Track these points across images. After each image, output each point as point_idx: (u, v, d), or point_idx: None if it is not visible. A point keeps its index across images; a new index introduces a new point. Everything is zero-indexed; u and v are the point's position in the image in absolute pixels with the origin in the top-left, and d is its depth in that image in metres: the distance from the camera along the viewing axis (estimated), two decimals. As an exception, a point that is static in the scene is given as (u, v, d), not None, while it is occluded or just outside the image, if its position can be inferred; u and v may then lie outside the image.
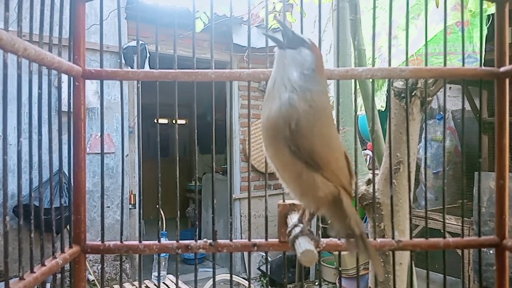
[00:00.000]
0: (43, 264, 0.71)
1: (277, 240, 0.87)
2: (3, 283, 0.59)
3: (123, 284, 3.10)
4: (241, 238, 1.12)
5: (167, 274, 3.32)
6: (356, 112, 1.17)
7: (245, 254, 4.41)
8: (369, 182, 1.35)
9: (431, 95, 1.35)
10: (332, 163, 0.71)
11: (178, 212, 0.93)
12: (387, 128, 1.03)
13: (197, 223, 3.33)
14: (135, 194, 4.24)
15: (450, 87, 4.18)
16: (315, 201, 0.73)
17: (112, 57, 4.06)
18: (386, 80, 2.11)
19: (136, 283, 3.35)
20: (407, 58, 0.92)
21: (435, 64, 2.39)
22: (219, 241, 0.87)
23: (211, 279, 1.02)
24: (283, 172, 0.72)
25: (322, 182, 0.70)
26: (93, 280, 3.69)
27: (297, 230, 0.79)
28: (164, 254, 2.83)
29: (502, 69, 0.86)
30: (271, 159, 0.72)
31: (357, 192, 0.93)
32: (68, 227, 0.89)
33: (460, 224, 0.93)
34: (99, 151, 0.89)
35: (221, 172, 5.67)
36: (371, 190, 1.31)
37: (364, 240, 0.73)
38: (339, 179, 0.72)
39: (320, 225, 0.98)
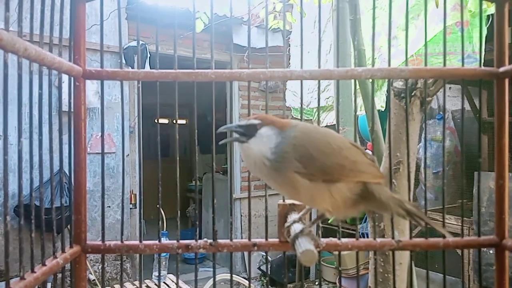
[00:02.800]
0: (43, 264, 0.71)
1: (277, 240, 0.87)
2: (4, 282, 0.59)
3: (124, 284, 3.11)
4: (241, 238, 1.12)
5: (167, 273, 3.32)
6: (356, 112, 1.17)
7: (245, 253, 4.42)
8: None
9: (430, 95, 1.35)
10: (345, 165, 0.72)
11: (179, 212, 0.94)
12: (387, 128, 1.03)
13: (197, 223, 3.33)
14: (135, 194, 4.24)
15: (449, 87, 4.19)
16: (347, 207, 0.74)
17: (112, 57, 4.06)
18: (386, 80, 2.12)
19: (137, 282, 3.35)
20: (406, 58, 0.92)
21: (434, 64, 2.39)
22: (220, 241, 0.87)
23: (212, 278, 1.02)
24: (312, 200, 0.74)
25: (348, 188, 0.72)
26: (94, 280, 3.69)
27: (296, 227, 0.79)
28: (165, 253, 2.83)
29: (501, 69, 0.86)
30: (296, 197, 0.76)
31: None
32: (68, 227, 0.89)
33: (460, 224, 0.94)
34: (100, 151, 0.90)
35: (221, 172, 5.67)
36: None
37: (414, 213, 0.73)
38: (361, 172, 0.73)
39: (320, 225, 0.99)
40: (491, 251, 0.90)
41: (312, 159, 0.70)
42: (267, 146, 0.72)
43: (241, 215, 4.94)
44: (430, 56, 2.43)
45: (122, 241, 0.87)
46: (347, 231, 3.52)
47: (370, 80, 1.36)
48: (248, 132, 0.75)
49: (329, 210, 0.74)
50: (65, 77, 0.81)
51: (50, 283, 2.80)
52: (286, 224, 0.82)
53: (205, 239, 0.87)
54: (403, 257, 1.33)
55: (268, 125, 0.75)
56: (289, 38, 4.08)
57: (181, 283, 3.09)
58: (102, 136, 0.91)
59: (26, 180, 0.66)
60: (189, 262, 5.05)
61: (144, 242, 0.87)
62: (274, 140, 0.73)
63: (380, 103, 2.82)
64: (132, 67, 3.90)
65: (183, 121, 7.88)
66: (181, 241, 0.87)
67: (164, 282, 3.03)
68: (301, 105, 0.89)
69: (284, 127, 0.74)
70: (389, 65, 0.89)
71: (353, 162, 0.73)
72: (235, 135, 0.77)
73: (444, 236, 0.84)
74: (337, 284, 4.18)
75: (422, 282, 1.36)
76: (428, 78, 0.95)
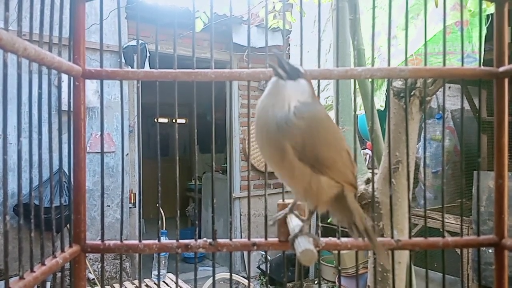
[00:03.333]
0: (43, 263, 0.71)
1: (277, 239, 0.88)
2: (3, 282, 0.59)
3: (123, 283, 3.11)
4: (241, 237, 1.13)
5: (167, 273, 3.32)
6: (355, 112, 1.17)
7: (245, 253, 4.42)
8: (368, 181, 1.35)
9: (430, 95, 1.35)
10: (338, 162, 0.74)
11: (178, 211, 0.94)
12: (386, 128, 1.03)
13: (197, 222, 3.34)
14: (135, 193, 4.24)
15: (449, 87, 4.19)
16: (319, 201, 0.75)
17: (112, 56, 4.05)
18: (386, 79, 2.12)
19: (136, 282, 3.35)
20: (406, 58, 0.93)
21: (434, 64, 2.40)
22: (219, 240, 0.87)
23: (211, 278, 1.02)
24: (290, 178, 0.74)
25: (328, 184, 0.73)
26: (93, 279, 3.69)
27: (294, 223, 0.80)
28: (164, 253, 2.83)
29: (501, 68, 0.86)
30: (277, 168, 0.74)
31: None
32: (68, 226, 0.89)
33: (459, 223, 0.94)
34: (99, 150, 0.90)
35: (221, 171, 5.67)
36: (370, 189, 1.31)
37: (368, 233, 0.75)
38: (344, 175, 0.75)
39: (320, 224, 0.99)
40: (490, 251, 0.90)
41: (314, 144, 0.70)
42: (297, 96, 0.71)
43: (241, 215, 4.94)
44: (430, 56, 2.43)
45: (121, 241, 0.87)
46: (347, 230, 3.52)
47: (370, 80, 1.36)
48: (292, 73, 0.73)
49: (300, 194, 0.76)
50: (64, 77, 0.81)
51: (49, 283, 2.80)
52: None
53: (205, 238, 0.87)
54: (402, 256, 1.33)
55: (308, 81, 0.74)
56: (288, 37, 4.07)
57: (180, 282, 3.09)
58: (101, 135, 0.91)
59: (26, 179, 0.66)
60: (188, 261, 5.05)
61: (144, 241, 0.87)
62: (306, 96, 0.72)
63: (379, 102, 2.82)
64: (132, 67, 3.90)
65: (182, 121, 7.88)
66: (181, 241, 0.87)
67: (164, 281, 3.04)
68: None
69: (316, 97, 0.75)
70: (389, 64, 0.89)
71: (343, 163, 0.75)
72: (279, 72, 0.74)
73: (443, 236, 0.84)
74: (337, 283, 4.19)
75: (421, 281, 1.36)
76: (427, 78, 0.95)
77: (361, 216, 0.76)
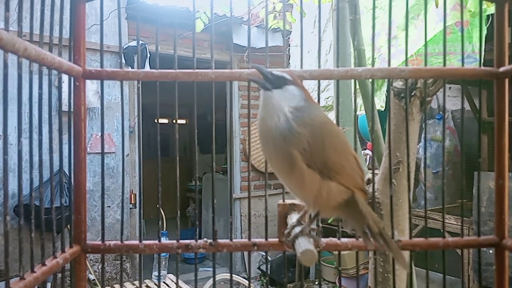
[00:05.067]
0: (43, 264, 0.71)
1: (277, 239, 0.88)
2: (3, 282, 0.59)
3: (124, 284, 3.11)
4: (241, 238, 1.13)
5: (167, 273, 3.32)
6: (355, 112, 1.17)
7: (245, 253, 4.42)
8: (368, 181, 1.35)
9: (430, 95, 1.35)
10: (346, 167, 0.73)
11: (178, 211, 0.94)
12: (387, 128, 1.03)
13: (197, 222, 3.34)
14: (135, 194, 4.24)
15: (449, 87, 4.19)
16: (328, 207, 0.75)
17: (112, 57, 4.06)
18: (386, 80, 2.12)
19: (137, 282, 3.35)
20: (406, 58, 0.93)
21: (434, 64, 2.40)
22: (219, 240, 0.87)
23: (211, 278, 1.02)
24: (300, 186, 0.73)
25: (338, 190, 0.72)
26: (94, 280, 3.69)
27: (296, 230, 0.79)
28: (165, 253, 2.83)
29: (501, 69, 0.86)
30: (287, 177, 0.74)
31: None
32: (68, 226, 0.89)
33: (460, 224, 0.94)
34: (100, 151, 0.90)
35: (221, 172, 5.67)
36: (370, 189, 1.31)
37: (384, 236, 0.74)
38: (354, 180, 0.74)
39: (320, 225, 0.99)
40: (491, 251, 0.90)
41: (321, 149, 0.70)
42: (288, 103, 0.71)
43: (241, 215, 4.94)
44: (430, 56, 2.43)
45: (122, 241, 0.87)
46: (347, 231, 3.52)
47: (370, 80, 1.36)
48: (277, 82, 0.73)
49: (311, 203, 0.75)
50: (65, 77, 0.81)
51: (50, 283, 2.80)
52: (286, 231, 0.82)
53: (205, 239, 0.87)
54: (403, 257, 1.32)
55: (298, 86, 0.73)
56: (289, 38, 4.07)
57: (181, 283, 3.09)
58: (102, 136, 0.91)
59: (26, 180, 0.66)
60: (189, 262, 5.05)
61: (144, 242, 0.87)
62: (297, 101, 0.71)
63: (380, 103, 2.82)
64: (132, 67, 3.90)
65: (183, 121, 7.88)
66: (181, 241, 0.87)
67: (164, 282, 3.04)
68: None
69: (311, 100, 0.73)
70: (389, 65, 0.89)
71: (352, 168, 0.74)
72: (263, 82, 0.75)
73: (444, 236, 0.84)
74: (337, 284, 4.18)
75: (422, 282, 1.36)
76: (428, 78, 0.95)
77: (374, 219, 0.74)
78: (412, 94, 1.25)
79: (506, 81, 0.85)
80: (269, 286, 4.56)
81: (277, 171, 0.75)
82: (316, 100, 0.79)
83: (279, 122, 0.70)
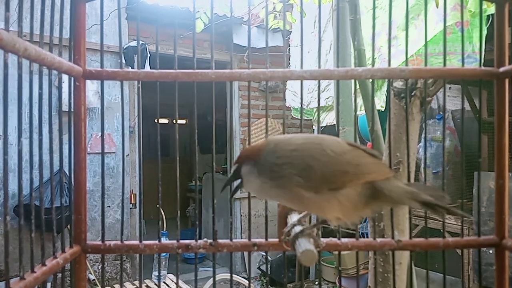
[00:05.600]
0: (43, 264, 0.71)
1: (277, 239, 0.87)
2: (3, 282, 0.59)
3: (124, 284, 3.10)
4: (241, 238, 1.13)
5: (167, 273, 3.32)
6: (356, 112, 1.17)
7: (245, 253, 4.42)
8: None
9: (430, 95, 1.35)
10: (348, 170, 0.71)
11: (179, 211, 0.94)
12: (387, 128, 1.03)
13: (197, 222, 3.34)
14: (135, 194, 4.24)
15: (449, 87, 4.18)
16: (359, 211, 0.74)
17: (112, 57, 4.06)
18: (386, 80, 2.12)
19: (137, 282, 3.35)
20: (406, 58, 0.93)
21: (434, 64, 2.40)
22: (219, 240, 0.87)
23: (211, 278, 1.02)
24: (323, 211, 0.74)
25: (356, 193, 0.71)
26: (94, 280, 3.69)
27: (297, 230, 0.79)
28: (165, 253, 2.83)
29: (501, 69, 0.86)
30: (308, 209, 0.77)
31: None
32: (68, 226, 0.89)
33: (460, 224, 0.94)
34: (100, 151, 0.90)
35: (221, 172, 5.67)
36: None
37: (431, 205, 0.71)
38: (366, 174, 0.72)
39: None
40: (491, 251, 0.90)
41: (311, 170, 0.69)
42: (254, 178, 0.76)
43: (241, 215, 4.94)
44: (430, 56, 2.43)
45: (122, 241, 0.87)
46: (347, 231, 3.52)
47: (370, 80, 1.36)
48: (239, 177, 0.79)
49: (339, 218, 0.73)
50: (65, 77, 0.81)
51: (50, 283, 2.80)
52: (286, 229, 0.82)
53: (205, 239, 0.87)
54: (403, 257, 1.33)
55: (244, 162, 0.78)
56: (289, 38, 4.08)
57: (181, 283, 3.09)
58: (102, 136, 0.91)
59: (26, 180, 0.66)
60: (189, 262, 5.05)
61: (144, 242, 0.87)
62: (255, 171, 0.75)
63: (380, 103, 2.82)
64: (132, 67, 3.91)
65: (183, 121, 7.88)
66: (181, 241, 0.87)
67: (164, 282, 3.04)
68: (301, 105, 0.89)
69: (260, 152, 0.75)
70: (389, 65, 0.89)
71: (356, 165, 0.71)
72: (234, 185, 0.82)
73: (444, 236, 0.84)
74: (337, 284, 4.18)
75: (422, 282, 1.36)
76: (428, 78, 0.95)
77: (410, 196, 0.70)
78: (412, 94, 1.25)
79: (506, 81, 0.85)
80: (269, 286, 4.56)
81: (299, 208, 0.79)
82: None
83: (267, 184, 0.74)
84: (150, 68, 3.92)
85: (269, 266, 4.54)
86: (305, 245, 0.72)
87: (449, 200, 0.73)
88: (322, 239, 0.88)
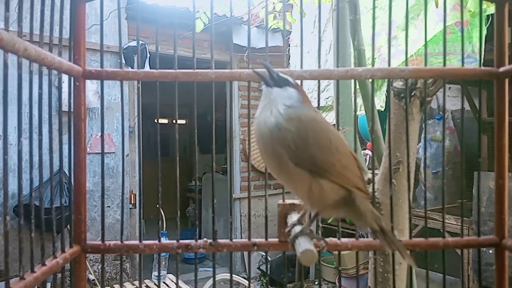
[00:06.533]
0: (43, 264, 0.71)
1: (277, 239, 0.88)
2: (3, 282, 0.59)
3: (123, 284, 3.11)
4: (241, 238, 1.13)
5: (167, 273, 3.32)
6: (355, 112, 1.17)
7: (245, 253, 4.42)
8: (368, 182, 1.35)
9: (430, 95, 1.35)
10: (336, 165, 0.73)
11: (178, 211, 0.94)
12: (387, 128, 1.03)
13: (197, 222, 3.33)
14: (135, 194, 4.24)
15: (449, 87, 4.19)
16: (324, 205, 0.75)
17: (112, 57, 4.06)
18: (386, 80, 2.12)
19: (137, 282, 3.35)
20: (406, 58, 0.93)
21: (434, 64, 2.40)
22: (219, 240, 0.87)
23: (211, 278, 1.02)
24: (290, 184, 0.75)
25: (331, 188, 0.73)
26: (94, 280, 3.69)
27: (296, 229, 0.79)
28: (164, 253, 2.83)
29: (501, 69, 0.86)
30: (276, 174, 0.75)
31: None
32: (68, 226, 0.89)
33: (460, 224, 0.94)
34: (100, 151, 0.90)
35: (221, 172, 5.67)
36: (370, 190, 1.31)
37: (386, 234, 0.74)
38: (348, 179, 0.74)
39: (320, 225, 0.99)
40: (490, 251, 0.90)
41: (305, 146, 0.71)
42: (283, 101, 0.74)
43: (241, 215, 4.94)
44: (430, 56, 2.43)
45: (121, 241, 0.87)
46: (347, 231, 3.52)
47: (370, 80, 1.36)
48: (279, 81, 0.77)
49: (304, 199, 0.76)
50: (65, 77, 0.81)
51: (49, 283, 2.80)
52: (287, 229, 0.82)
53: (205, 239, 0.87)
54: (403, 257, 1.32)
55: (298, 90, 0.77)
56: (289, 38, 4.08)
57: (180, 283, 3.09)
58: (102, 136, 0.91)
59: (26, 180, 0.66)
60: (189, 262, 5.05)
61: (144, 242, 0.87)
62: (292, 101, 0.75)
63: (380, 103, 2.82)
64: (132, 67, 3.90)
65: (183, 121, 7.88)
66: (181, 241, 0.87)
67: (164, 282, 3.04)
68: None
69: (308, 103, 0.77)
70: (389, 65, 0.89)
71: (344, 166, 0.74)
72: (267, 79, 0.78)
73: (444, 236, 0.84)
74: (337, 284, 4.19)
75: (422, 281, 1.36)
76: (428, 78, 0.95)
77: (374, 217, 0.74)
78: (412, 94, 1.25)
79: (506, 81, 0.85)
80: (269, 286, 4.56)
81: (268, 167, 0.77)
82: (316, 101, 0.79)
83: (270, 116, 0.73)
84: (150, 68, 3.93)
85: (269, 266, 4.54)
86: (305, 245, 0.72)
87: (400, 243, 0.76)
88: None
